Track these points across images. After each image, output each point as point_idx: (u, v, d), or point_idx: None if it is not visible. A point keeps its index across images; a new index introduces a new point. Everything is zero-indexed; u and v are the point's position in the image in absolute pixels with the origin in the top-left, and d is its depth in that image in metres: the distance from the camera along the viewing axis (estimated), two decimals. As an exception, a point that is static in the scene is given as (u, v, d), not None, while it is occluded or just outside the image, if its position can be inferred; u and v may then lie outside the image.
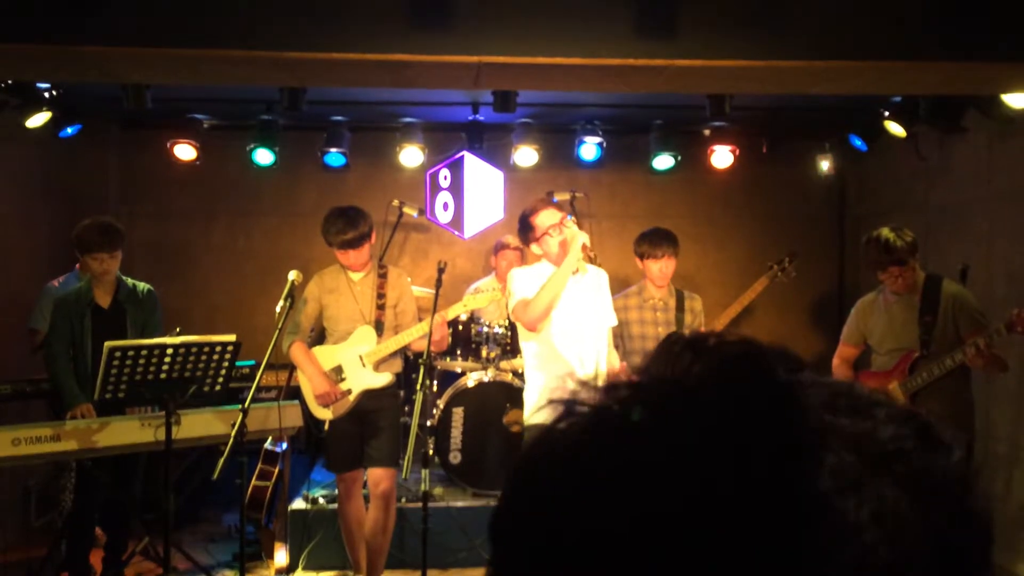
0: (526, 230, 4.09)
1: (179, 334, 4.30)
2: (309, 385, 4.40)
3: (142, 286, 4.65)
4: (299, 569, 4.99)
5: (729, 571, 0.45)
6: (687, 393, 0.51)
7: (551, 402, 0.55)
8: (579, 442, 0.52)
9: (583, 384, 0.56)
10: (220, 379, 4.20)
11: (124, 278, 4.59)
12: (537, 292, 3.90)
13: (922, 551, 0.46)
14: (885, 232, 4.14)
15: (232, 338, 4.19)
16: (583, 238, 3.89)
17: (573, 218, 4.07)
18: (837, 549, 0.45)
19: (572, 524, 0.49)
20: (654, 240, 4.90)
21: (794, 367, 0.52)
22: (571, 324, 3.95)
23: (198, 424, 4.35)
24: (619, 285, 6.07)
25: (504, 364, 5.45)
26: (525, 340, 4.10)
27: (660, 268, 4.86)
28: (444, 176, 6.81)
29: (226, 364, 4.17)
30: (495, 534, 0.54)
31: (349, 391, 4.40)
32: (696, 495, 0.46)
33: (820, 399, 0.50)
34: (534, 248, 4.11)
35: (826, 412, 0.49)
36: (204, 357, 4.09)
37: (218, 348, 4.13)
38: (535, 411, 3.99)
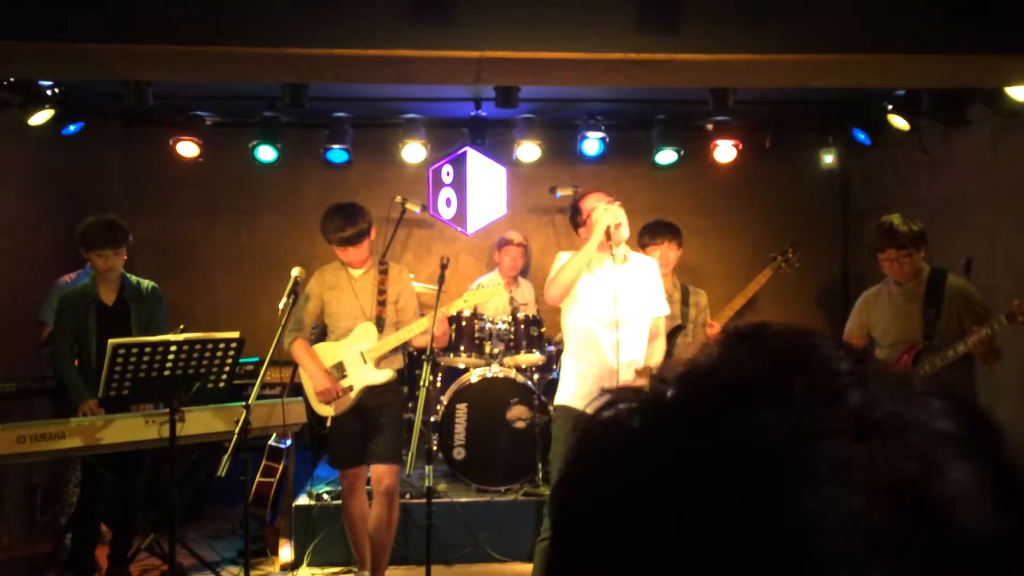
0: (575, 215, 4.15)
1: (183, 331, 4.31)
2: (310, 382, 4.41)
3: (146, 283, 4.66)
4: (304, 565, 5.00)
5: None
6: (737, 387, 0.50)
7: (602, 392, 0.55)
8: (611, 445, 0.52)
9: (613, 375, 0.57)
10: (224, 376, 4.20)
11: (128, 275, 4.59)
12: (559, 269, 3.97)
13: (987, 532, 0.46)
14: (892, 217, 4.14)
15: (235, 335, 4.19)
16: (608, 219, 3.91)
17: (618, 203, 4.05)
18: (919, 527, 0.45)
19: (594, 531, 0.50)
20: (653, 229, 5.02)
21: (859, 357, 0.52)
22: (610, 311, 3.95)
23: (202, 421, 4.36)
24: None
25: (508, 360, 5.44)
26: (564, 321, 4.13)
27: (660, 254, 4.91)
28: (447, 172, 6.80)
29: (229, 361, 4.17)
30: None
31: (350, 388, 4.40)
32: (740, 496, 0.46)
33: (888, 387, 0.50)
34: (583, 233, 4.12)
35: (895, 400, 0.49)
36: (208, 354, 4.09)
37: (221, 345, 4.13)
38: (562, 394, 4.04)
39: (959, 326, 4.07)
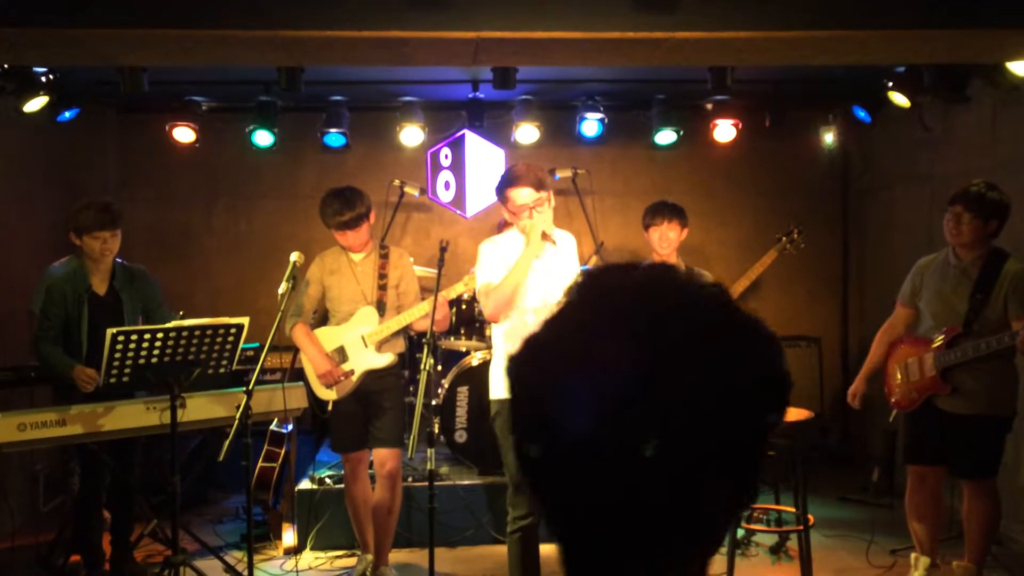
0: (502, 193, 3.84)
1: (182, 318, 4.28)
2: (311, 366, 4.40)
3: (134, 267, 4.56)
4: (307, 549, 5.02)
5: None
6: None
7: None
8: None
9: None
10: (224, 362, 4.18)
11: (119, 260, 4.50)
12: (499, 283, 3.78)
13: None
14: (982, 180, 4.02)
15: (242, 320, 4.14)
16: (542, 226, 3.74)
17: (544, 206, 3.77)
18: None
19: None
20: (655, 209, 5.04)
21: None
22: (535, 294, 3.83)
23: (203, 407, 4.34)
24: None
25: (508, 342, 5.42)
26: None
27: (660, 234, 4.94)
28: (445, 155, 6.77)
29: (229, 346, 4.14)
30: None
31: (352, 372, 4.40)
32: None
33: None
34: (511, 218, 3.88)
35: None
36: (207, 340, 4.07)
37: (221, 331, 4.10)
38: (501, 388, 3.89)
39: (1003, 314, 3.89)
